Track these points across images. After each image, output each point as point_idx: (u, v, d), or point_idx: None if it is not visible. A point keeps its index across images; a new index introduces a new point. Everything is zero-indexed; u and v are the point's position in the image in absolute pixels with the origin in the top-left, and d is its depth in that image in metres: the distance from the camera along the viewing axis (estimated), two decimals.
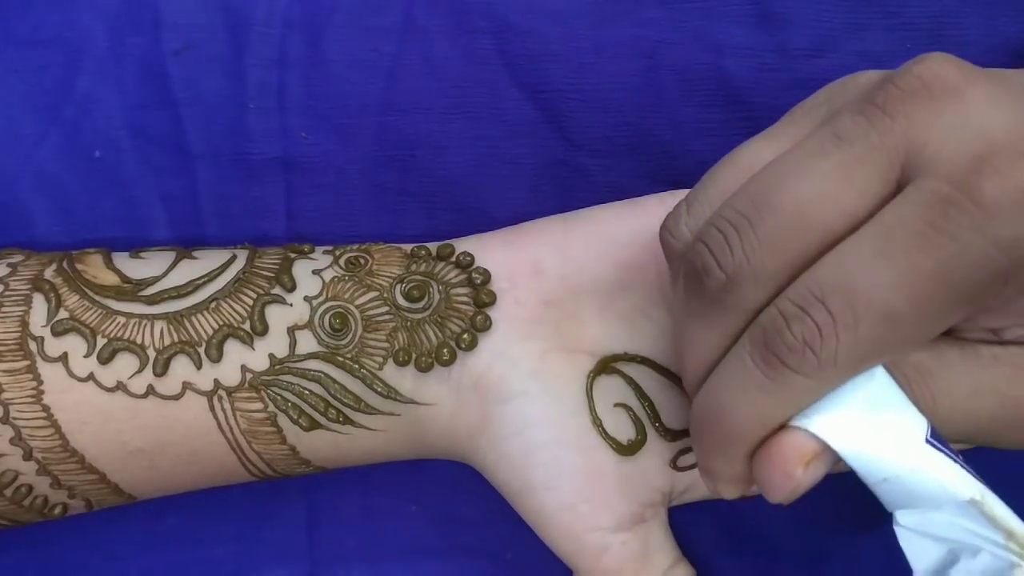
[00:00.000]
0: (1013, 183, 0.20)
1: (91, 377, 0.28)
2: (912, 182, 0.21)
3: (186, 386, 0.28)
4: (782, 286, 0.21)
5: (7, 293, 0.29)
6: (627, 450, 0.28)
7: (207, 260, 0.30)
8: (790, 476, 0.22)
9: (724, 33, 0.31)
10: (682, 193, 0.26)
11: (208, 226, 0.33)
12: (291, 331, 0.28)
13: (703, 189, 0.24)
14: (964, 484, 0.21)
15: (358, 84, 0.32)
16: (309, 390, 0.28)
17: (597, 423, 0.28)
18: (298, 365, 0.28)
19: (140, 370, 0.28)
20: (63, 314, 0.28)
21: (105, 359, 0.28)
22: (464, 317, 0.29)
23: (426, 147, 0.32)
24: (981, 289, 0.20)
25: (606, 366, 0.29)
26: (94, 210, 0.32)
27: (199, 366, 0.28)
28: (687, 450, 0.29)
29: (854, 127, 0.21)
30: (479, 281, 0.29)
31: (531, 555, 0.31)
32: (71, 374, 0.28)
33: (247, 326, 0.28)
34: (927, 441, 0.21)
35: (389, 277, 0.29)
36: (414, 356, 0.28)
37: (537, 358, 0.29)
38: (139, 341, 0.28)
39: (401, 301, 0.29)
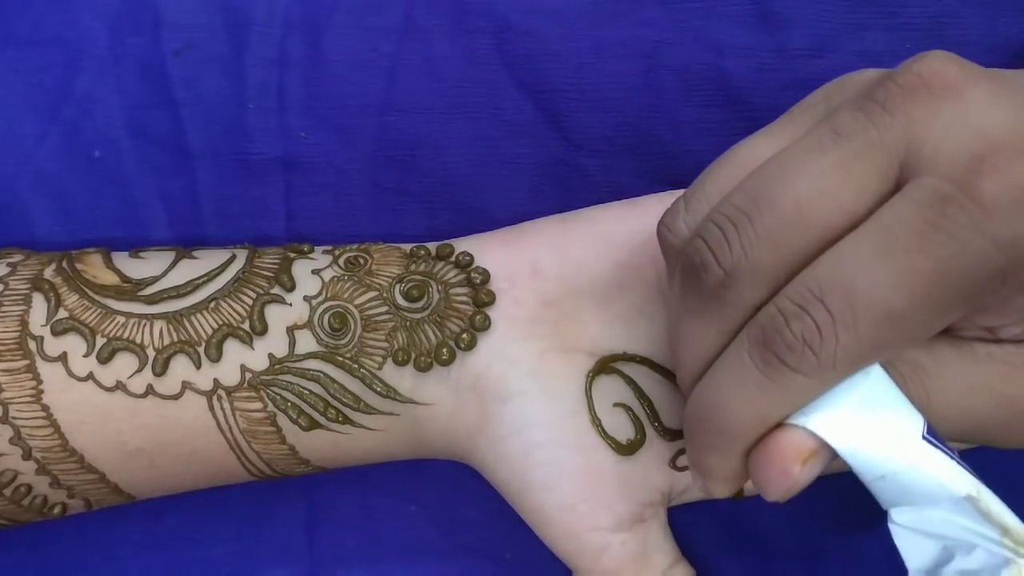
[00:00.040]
0: (1012, 182, 0.20)
1: (90, 377, 0.28)
2: (911, 180, 0.21)
3: (185, 386, 0.28)
4: (780, 283, 0.21)
5: (7, 292, 0.29)
6: (626, 450, 0.28)
7: (207, 260, 0.30)
8: (788, 474, 0.22)
9: (724, 33, 0.31)
10: (681, 193, 0.26)
11: (208, 226, 0.33)
12: (290, 331, 0.28)
13: (701, 186, 0.24)
14: (960, 480, 0.21)
15: (358, 84, 0.32)
16: (308, 390, 0.28)
17: (596, 423, 0.28)
18: (297, 365, 0.28)
19: (139, 370, 0.28)
20: (63, 314, 0.28)
21: (104, 359, 0.28)
22: (463, 317, 0.29)
23: (426, 147, 0.32)
24: (980, 288, 0.20)
25: (605, 366, 0.29)
26: (94, 210, 0.32)
27: (198, 366, 0.28)
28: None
29: (853, 123, 0.21)
30: (478, 281, 0.29)
31: (531, 555, 0.31)
32: (70, 374, 0.28)
33: (246, 326, 0.28)
34: (923, 438, 0.21)
35: (388, 277, 0.29)
36: (413, 356, 0.28)
37: (536, 358, 0.29)
38: (138, 341, 0.28)
39: (400, 301, 0.29)
